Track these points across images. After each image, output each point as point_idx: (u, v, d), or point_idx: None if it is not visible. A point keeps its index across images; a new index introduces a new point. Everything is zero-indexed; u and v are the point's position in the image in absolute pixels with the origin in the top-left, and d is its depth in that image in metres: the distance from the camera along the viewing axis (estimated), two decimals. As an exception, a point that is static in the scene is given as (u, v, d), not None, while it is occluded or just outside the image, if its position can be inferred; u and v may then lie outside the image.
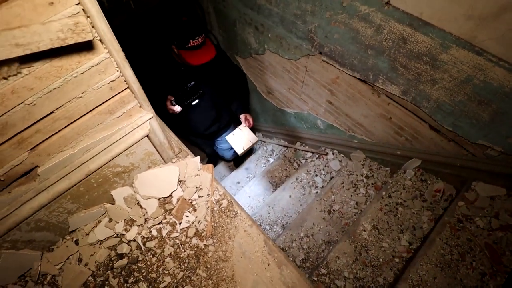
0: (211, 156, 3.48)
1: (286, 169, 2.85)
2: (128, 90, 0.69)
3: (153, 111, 0.78)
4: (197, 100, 2.02)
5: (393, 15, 1.28)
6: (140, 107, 0.74)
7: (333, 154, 2.41)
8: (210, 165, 0.96)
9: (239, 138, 2.37)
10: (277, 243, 1.92)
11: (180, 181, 0.91)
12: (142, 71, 1.97)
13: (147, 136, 0.79)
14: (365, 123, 1.93)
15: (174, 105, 1.94)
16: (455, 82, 1.24)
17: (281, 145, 3.12)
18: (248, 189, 2.82)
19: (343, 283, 1.46)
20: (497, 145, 1.26)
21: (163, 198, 0.87)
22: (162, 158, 0.93)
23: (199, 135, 2.59)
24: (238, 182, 3.21)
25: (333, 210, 1.95)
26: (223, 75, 2.28)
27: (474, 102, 1.23)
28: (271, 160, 3.17)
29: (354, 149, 2.14)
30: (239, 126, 2.42)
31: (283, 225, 2.19)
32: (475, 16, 1.06)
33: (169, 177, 0.88)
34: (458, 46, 1.15)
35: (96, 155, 0.71)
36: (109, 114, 0.70)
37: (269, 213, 2.30)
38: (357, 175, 2.05)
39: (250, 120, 2.41)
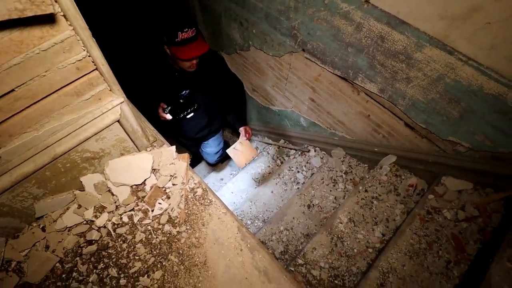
0: (197, 156, 3.46)
1: (269, 166, 2.87)
2: (96, 71, 0.68)
3: (124, 96, 0.77)
4: (191, 114, 1.94)
5: (371, 13, 1.32)
6: (110, 90, 0.73)
7: (315, 151, 2.44)
8: (186, 154, 0.97)
9: (240, 152, 2.30)
10: (257, 236, 1.93)
11: (154, 169, 0.91)
12: (135, 73, 1.90)
13: (118, 121, 0.79)
14: (345, 121, 1.97)
15: (166, 113, 1.85)
16: (428, 80, 1.29)
17: (265, 143, 3.14)
18: (231, 185, 2.83)
19: (318, 273, 1.49)
20: (465, 142, 1.32)
21: (136, 185, 0.87)
22: (136, 146, 0.92)
23: (187, 138, 2.58)
24: (222, 179, 3.21)
25: (313, 204, 1.98)
26: (219, 82, 2.21)
27: (445, 100, 1.28)
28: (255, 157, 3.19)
29: (334, 146, 2.19)
30: (239, 140, 2.32)
31: (264, 219, 2.21)
32: (447, 15, 1.10)
33: (142, 164, 0.88)
34: (431, 45, 1.20)
35: (62, 138, 0.70)
36: (77, 96, 0.68)
37: (251, 208, 2.31)
38: (337, 171, 2.09)
39: (250, 132, 2.36)
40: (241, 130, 2.34)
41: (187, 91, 1.83)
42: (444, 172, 1.47)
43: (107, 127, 0.76)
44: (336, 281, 1.48)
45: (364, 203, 1.70)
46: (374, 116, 1.70)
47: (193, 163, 3.55)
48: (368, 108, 1.70)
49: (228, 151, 2.26)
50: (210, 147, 2.70)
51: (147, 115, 1.93)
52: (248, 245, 0.86)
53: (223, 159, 3.23)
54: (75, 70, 0.66)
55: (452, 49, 1.15)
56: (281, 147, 2.87)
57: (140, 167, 0.88)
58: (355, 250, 1.55)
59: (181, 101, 1.82)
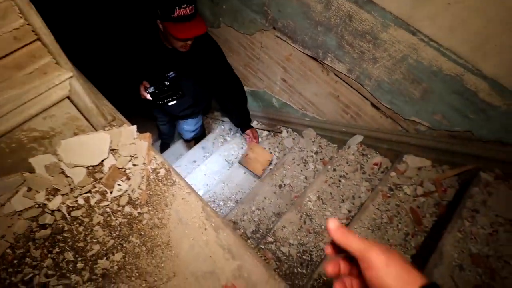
0: (167, 136, 3.37)
1: (242, 148, 2.86)
2: (38, 42, 0.62)
3: (74, 70, 0.72)
4: (174, 102, 1.77)
5: (339, -9, 1.31)
6: (56, 63, 0.67)
7: (287, 132, 2.46)
8: (147, 134, 0.93)
9: (253, 159, 2.13)
10: (229, 217, 1.95)
11: (113, 149, 0.87)
12: (122, 46, 1.74)
13: (68, 98, 0.73)
14: (316, 102, 1.99)
15: (147, 93, 1.71)
16: (393, 61, 1.32)
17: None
18: (204, 168, 2.80)
19: (288, 249, 1.54)
20: (425, 121, 1.38)
21: (92, 166, 0.82)
22: (91, 125, 0.87)
23: (167, 112, 2.45)
24: (195, 161, 3.17)
25: (284, 184, 2.02)
26: (211, 70, 1.96)
27: (408, 81, 1.32)
28: (228, 139, 3.16)
29: (306, 127, 2.21)
30: (250, 146, 2.16)
31: (236, 200, 2.23)
32: (411, -5, 1.11)
33: (99, 144, 0.83)
34: (396, 25, 1.21)
35: (4, 115, 0.64)
36: (17, 70, 0.62)
37: (223, 189, 2.31)
38: (308, 152, 2.13)
39: (257, 135, 2.21)
40: (248, 134, 2.18)
41: (174, 74, 1.67)
42: (406, 151, 1.54)
43: (55, 104, 0.71)
44: (304, 256, 1.54)
45: (332, 181, 1.75)
46: (343, 97, 1.72)
47: (163, 146, 3.45)
48: (337, 89, 1.72)
49: (240, 161, 2.11)
50: (188, 125, 2.63)
51: (128, 90, 1.79)
52: (213, 224, 0.86)
53: (198, 138, 3.19)
54: (13, 40, 0.60)
55: (415, 30, 1.17)
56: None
57: (96, 147, 0.83)
58: (323, 227, 1.60)
59: (167, 83, 1.66)
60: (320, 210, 1.67)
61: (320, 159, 2.06)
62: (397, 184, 1.47)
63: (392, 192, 1.45)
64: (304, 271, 1.50)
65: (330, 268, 0.47)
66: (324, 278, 1.32)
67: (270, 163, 2.05)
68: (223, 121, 3.34)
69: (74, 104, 0.76)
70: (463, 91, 1.14)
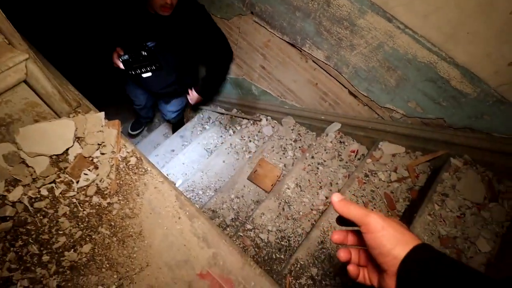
0: (145, 120, 3.26)
1: (221, 136, 2.83)
2: (-17, 19, 0.56)
3: (30, 51, 0.66)
4: (149, 74, 1.59)
5: (318, -25, 1.28)
6: (8, 44, 0.62)
7: (266, 120, 2.45)
8: (116, 121, 0.88)
9: (263, 175, 2.02)
10: (208, 205, 1.94)
11: (79, 137, 0.82)
12: (102, 4, 1.53)
13: (25, 82, 0.67)
14: (295, 89, 1.98)
15: (120, 61, 1.55)
16: (370, 48, 1.32)
17: (217, 112, 3.06)
18: (182, 157, 2.75)
19: (266, 236, 1.55)
20: (400, 109, 1.40)
21: (56, 155, 0.78)
22: (54, 112, 0.81)
23: (148, 90, 2.34)
24: (173, 150, 3.10)
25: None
26: (196, 38, 1.80)
27: (384, 68, 1.33)
28: (207, 127, 3.11)
29: (285, 115, 2.21)
30: (259, 162, 2.04)
31: (216, 189, 2.21)
32: (387, -19, 1.11)
33: (63, 132, 0.78)
34: (373, 11, 1.21)
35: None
36: (-38, 50, 0.56)
37: (202, 178, 2.28)
38: (287, 139, 2.13)
39: (196, 100, 2.22)
40: (191, 94, 2.19)
41: (153, 44, 1.53)
42: (382, 138, 1.58)
43: (10, 88, 0.65)
44: (282, 242, 1.56)
45: (310, 169, 1.77)
46: (322, 84, 1.72)
47: (136, 124, 3.41)
48: (316, 76, 1.71)
49: (249, 178, 2.02)
50: (171, 106, 2.55)
51: (101, 53, 1.64)
52: (187, 213, 0.84)
53: (180, 121, 3.13)
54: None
55: (391, 17, 1.17)
56: (233, 117, 2.83)
57: (60, 135, 0.78)
58: (301, 213, 1.63)
59: (143, 53, 1.50)
60: (298, 197, 1.69)
61: (299, 147, 2.08)
62: (372, 170, 1.50)
63: (367, 178, 1.48)
64: (282, 257, 1.52)
65: (335, 236, 0.54)
66: (301, 262, 1.34)
67: (279, 178, 1.98)
68: (201, 109, 3.28)
69: (32, 89, 0.71)
70: (436, 78, 1.17)
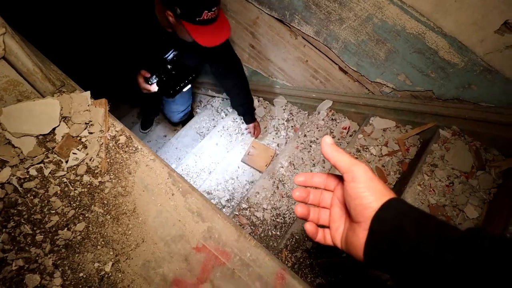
0: (152, 114, 2.99)
1: (213, 119, 2.82)
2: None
3: (7, 26, 0.63)
4: (189, 86, 1.39)
5: None
6: (-18, 17, 0.59)
7: (258, 101, 2.43)
8: (103, 100, 0.86)
9: (255, 156, 2.04)
10: (203, 187, 1.95)
11: (65, 117, 0.80)
12: (110, 29, 1.31)
13: (4, 58, 0.65)
14: (285, 68, 1.96)
15: (150, 84, 1.35)
16: (359, 21, 1.31)
17: (209, 95, 3.03)
18: (175, 141, 2.74)
19: (262, 214, 1.57)
20: (390, 83, 1.41)
21: (43, 135, 0.76)
22: (37, 91, 0.79)
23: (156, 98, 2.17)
24: (165, 135, 3.08)
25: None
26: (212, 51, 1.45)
27: (374, 41, 1.32)
28: (199, 111, 3.09)
29: (276, 95, 2.20)
30: (252, 143, 2.06)
31: (210, 171, 2.22)
32: (375, -50, 1.08)
33: (48, 112, 0.76)
34: (361, -18, 1.19)
35: None
36: None
37: (196, 161, 2.29)
38: (279, 119, 2.13)
39: (259, 130, 2.03)
40: (250, 128, 1.99)
41: (173, 52, 1.32)
42: (373, 113, 1.59)
43: (-11, 65, 0.63)
44: (278, 219, 1.59)
45: (303, 147, 1.78)
46: (312, 61, 1.71)
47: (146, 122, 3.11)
48: (306, 53, 1.70)
49: (243, 160, 2.02)
50: (177, 105, 2.36)
51: (125, 84, 1.40)
52: (180, 189, 0.85)
53: (188, 118, 2.94)
54: None
55: (380, -13, 1.15)
56: (225, 99, 2.81)
57: (45, 115, 0.76)
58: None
59: (169, 66, 1.33)
60: (292, 175, 1.70)
61: (292, 126, 2.08)
62: (364, 145, 1.52)
63: (359, 153, 1.50)
64: (278, 233, 1.55)
65: (296, 193, 0.51)
66: (296, 237, 1.37)
67: (273, 158, 1.97)
68: (194, 93, 3.24)
69: (13, 67, 0.68)
70: (425, 49, 1.17)
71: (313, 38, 1.56)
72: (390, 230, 0.37)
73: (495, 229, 1.08)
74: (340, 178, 0.48)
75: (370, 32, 1.30)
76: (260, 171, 1.96)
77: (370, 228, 0.39)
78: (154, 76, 1.34)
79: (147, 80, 1.35)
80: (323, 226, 0.51)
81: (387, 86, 1.43)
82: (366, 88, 1.54)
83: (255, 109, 2.02)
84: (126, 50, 1.36)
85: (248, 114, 1.93)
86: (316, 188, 0.52)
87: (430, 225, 0.36)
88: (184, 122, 2.95)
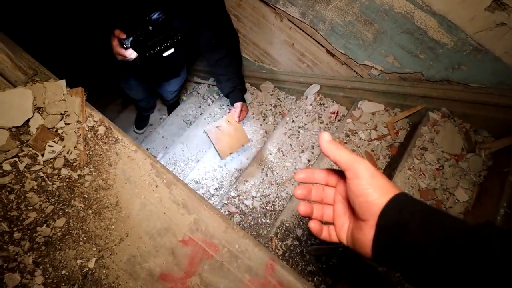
0: (147, 110, 2.85)
1: (200, 106, 2.76)
2: None
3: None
4: (171, 50, 1.13)
5: None
6: None
7: (245, 87, 2.39)
8: (80, 88, 0.81)
9: (224, 134, 1.68)
10: (191, 176, 1.92)
11: (39, 107, 0.75)
12: None
13: (-33, 45, 0.59)
14: (271, 52, 1.91)
15: (126, 48, 1.12)
16: (346, 1, 1.27)
17: (194, 82, 2.96)
18: (161, 130, 2.68)
19: (251, 202, 1.57)
20: (378, 65, 1.39)
21: (16, 127, 0.72)
22: (7, 81, 0.73)
23: (145, 79, 1.98)
24: (151, 124, 3.01)
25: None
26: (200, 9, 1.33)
27: (361, 22, 1.28)
28: (185, 98, 3.01)
29: (263, 80, 2.15)
30: (227, 117, 1.67)
31: (197, 160, 2.18)
32: None
33: (20, 102, 0.71)
34: (348, -40, 1.14)
35: None
36: None
37: (183, 150, 2.25)
38: (266, 105, 2.10)
39: (246, 113, 1.72)
40: (236, 107, 1.67)
41: (160, 14, 1.07)
42: (361, 97, 1.57)
43: None
44: (267, 207, 1.58)
45: (291, 133, 1.76)
46: (298, 45, 1.67)
47: (141, 120, 2.93)
48: (292, 36, 1.65)
49: (206, 130, 1.66)
50: (171, 86, 2.22)
51: (96, 49, 1.20)
52: (164, 181, 0.82)
53: (177, 101, 2.88)
54: None
55: (368, -36, 1.11)
56: (211, 86, 2.74)
57: (17, 106, 0.71)
58: (284, 177, 1.64)
59: (150, 28, 1.08)
60: (280, 162, 1.69)
61: (279, 112, 2.05)
62: (352, 130, 1.51)
63: (348, 138, 1.49)
64: (268, 221, 1.55)
65: (298, 191, 0.49)
66: (286, 224, 1.37)
67: (240, 147, 1.72)
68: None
69: (-25, 54, 0.63)
70: (414, 29, 1.14)
71: (299, 20, 1.51)
72: (397, 228, 0.37)
73: (485, 211, 1.10)
74: (342, 174, 0.47)
75: (357, 13, 1.26)
76: (219, 155, 1.68)
77: (377, 226, 0.39)
78: (132, 38, 1.09)
79: (121, 43, 1.11)
80: (327, 223, 0.50)
81: (376, 69, 1.41)
82: (354, 71, 1.52)
83: (245, 91, 1.75)
84: (100, 3, 1.13)
85: (235, 92, 1.66)
86: (317, 184, 0.50)
87: (436, 222, 0.36)
88: (169, 109, 2.89)
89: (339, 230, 0.47)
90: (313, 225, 0.49)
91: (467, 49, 1.08)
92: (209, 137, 1.64)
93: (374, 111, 1.53)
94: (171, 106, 2.87)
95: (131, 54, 1.13)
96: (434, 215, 0.37)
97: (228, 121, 1.67)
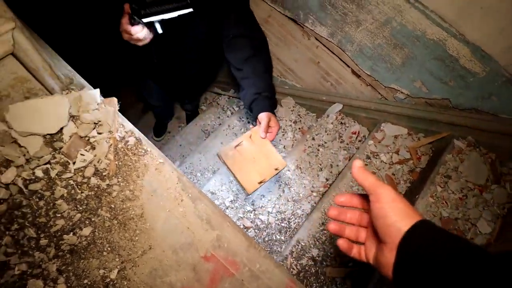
0: (165, 119, 2.90)
1: (219, 117, 2.78)
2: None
3: (17, 21, 0.60)
4: (173, 14, 0.95)
5: None
6: (-9, 11, 0.56)
7: (265, 100, 2.39)
8: (113, 99, 0.83)
9: (248, 159, 1.12)
10: (207, 187, 1.92)
11: (73, 116, 0.77)
12: None
13: (13, 54, 0.62)
14: (295, 68, 1.92)
15: (133, 23, 0.99)
16: (376, 24, 1.27)
17: (214, 93, 2.99)
18: (179, 138, 2.71)
19: (266, 217, 1.55)
20: (405, 89, 1.37)
21: (50, 135, 0.73)
22: (45, 88, 0.76)
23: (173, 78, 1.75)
24: (169, 132, 3.05)
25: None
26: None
27: (391, 46, 1.28)
28: (204, 108, 3.05)
29: (285, 96, 2.16)
30: (251, 132, 1.17)
31: (214, 171, 2.19)
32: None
33: (56, 110, 0.73)
34: (381, -16, 1.15)
35: None
36: None
37: (200, 160, 2.26)
38: (286, 121, 2.09)
39: (276, 130, 1.23)
40: (261, 118, 1.20)
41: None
42: (384, 119, 1.55)
43: (-4, 61, 0.60)
44: (282, 224, 1.56)
45: (310, 150, 1.75)
46: (324, 63, 1.67)
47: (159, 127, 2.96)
48: (317, 55, 1.66)
49: (222, 153, 1.12)
50: (190, 95, 2.19)
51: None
52: (190, 195, 0.82)
53: (192, 115, 2.89)
54: None
55: (401, -10, 1.11)
56: (231, 97, 2.77)
57: (53, 113, 0.73)
58: (301, 195, 1.62)
59: None
60: (298, 179, 1.67)
61: (299, 128, 2.04)
62: (374, 152, 1.49)
63: (369, 160, 1.47)
64: (282, 238, 1.52)
65: (332, 211, 0.56)
66: (302, 243, 1.34)
67: (277, 173, 1.17)
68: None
69: (21, 62, 0.65)
70: (445, 57, 1.13)
71: (327, 39, 1.52)
72: (419, 255, 0.38)
73: (507, 245, 1.05)
74: None
75: (387, 36, 1.26)
76: (243, 189, 1.12)
77: (399, 251, 0.41)
78: (133, 7, 0.95)
79: (130, 19, 0.99)
80: (360, 243, 0.54)
81: (402, 92, 1.39)
82: (379, 93, 1.51)
83: (275, 102, 1.37)
84: None
85: (260, 99, 1.26)
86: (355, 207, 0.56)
87: (458, 249, 0.37)
88: (188, 118, 2.93)
89: (368, 251, 0.50)
90: (341, 243, 0.53)
91: (499, 80, 1.06)
92: (225, 164, 1.10)
93: (397, 134, 1.50)
94: (190, 115, 2.91)
95: (138, 32, 1.01)
96: (457, 243, 0.38)
97: (251, 138, 1.15)
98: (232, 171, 1.10)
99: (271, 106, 1.30)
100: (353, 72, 1.55)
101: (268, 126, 1.20)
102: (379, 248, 0.45)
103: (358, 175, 0.48)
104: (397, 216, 0.41)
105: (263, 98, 1.28)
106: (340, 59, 1.55)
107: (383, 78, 1.41)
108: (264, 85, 1.31)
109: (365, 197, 0.53)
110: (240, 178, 1.09)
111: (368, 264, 0.49)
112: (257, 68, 1.32)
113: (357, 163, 0.50)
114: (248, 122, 2.36)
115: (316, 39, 1.58)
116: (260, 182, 1.09)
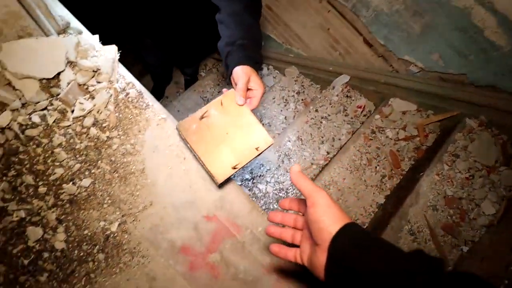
0: (162, 82, 2.81)
1: (219, 84, 2.70)
2: None
3: None
4: None
5: None
6: None
7: (267, 69, 2.31)
8: (113, 46, 0.78)
9: (215, 135, 0.78)
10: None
11: (71, 62, 0.72)
12: None
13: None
14: (302, 35, 1.83)
15: None
16: (397, -12, 1.18)
17: (214, 59, 2.88)
18: (177, 104, 2.64)
19: (264, 186, 1.54)
20: (419, 61, 1.31)
21: (46, 79, 0.68)
22: (41, 29, 0.70)
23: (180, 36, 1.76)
24: (167, 97, 2.97)
25: (263, 123, 1.96)
26: None
27: (410, 13, 1.20)
28: (203, 74, 2.95)
29: (289, 65, 2.08)
30: (222, 98, 0.83)
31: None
32: None
33: (52, 54, 0.68)
34: None
35: None
36: None
37: (199, 126, 2.21)
38: (289, 91, 2.03)
39: (259, 92, 0.85)
40: (239, 76, 0.85)
41: None
42: (393, 94, 1.50)
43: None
44: (280, 194, 1.56)
45: (313, 122, 1.71)
46: (334, 30, 1.59)
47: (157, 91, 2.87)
48: (328, 20, 1.57)
49: (181, 126, 0.76)
50: (190, 60, 2.13)
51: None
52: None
53: (192, 81, 2.78)
54: None
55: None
56: (233, 64, 2.66)
57: (49, 57, 0.68)
58: (301, 167, 1.60)
59: None
60: (299, 150, 1.65)
61: (302, 100, 1.99)
62: (380, 127, 1.45)
63: (374, 135, 1.44)
64: (279, 208, 1.52)
65: (271, 230, 0.58)
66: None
67: (259, 154, 0.82)
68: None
69: (14, -5, 0.59)
70: (469, 27, 1.06)
71: (340, 2, 1.42)
72: (345, 256, 0.41)
73: (508, 227, 1.05)
74: None
75: (407, 2, 1.18)
76: (211, 176, 0.74)
77: (328, 252, 0.43)
78: None
79: None
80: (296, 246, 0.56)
81: (416, 65, 1.33)
82: (391, 65, 1.45)
83: (257, 55, 0.95)
84: None
85: (236, 50, 0.90)
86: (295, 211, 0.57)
87: (378, 252, 0.41)
88: (187, 84, 2.84)
89: (302, 253, 0.51)
90: (274, 248, 0.56)
91: (524, 55, 1.01)
92: (185, 141, 0.76)
93: (405, 110, 1.47)
94: (189, 81, 2.82)
95: None
96: (378, 244, 0.42)
97: (222, 106, 0.81)
98: (195, 151, 0.74)
99: (250, 58, 0.89)
100: (365, 41, 1.47)
101: (248, 88, 0.84)
102: (313, 250, 0.47)
103: (296, 180, 0.50)
104: (330, 221, 0.44)
105: (238, 48, 0.90)
106: (353, 26, 1.47)
107: (398, 48, 1.34)
108: (241, 30, 0.93)
109: (302, 201, 0.55)
110: (206, 161, 0.73)
111: (304, 266, 0.51)
112: (235, 4, 0.95)
113: (295, 168, 0.51)
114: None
115: (329, 2, 1.48)
116: (235, 167, 0.75)
